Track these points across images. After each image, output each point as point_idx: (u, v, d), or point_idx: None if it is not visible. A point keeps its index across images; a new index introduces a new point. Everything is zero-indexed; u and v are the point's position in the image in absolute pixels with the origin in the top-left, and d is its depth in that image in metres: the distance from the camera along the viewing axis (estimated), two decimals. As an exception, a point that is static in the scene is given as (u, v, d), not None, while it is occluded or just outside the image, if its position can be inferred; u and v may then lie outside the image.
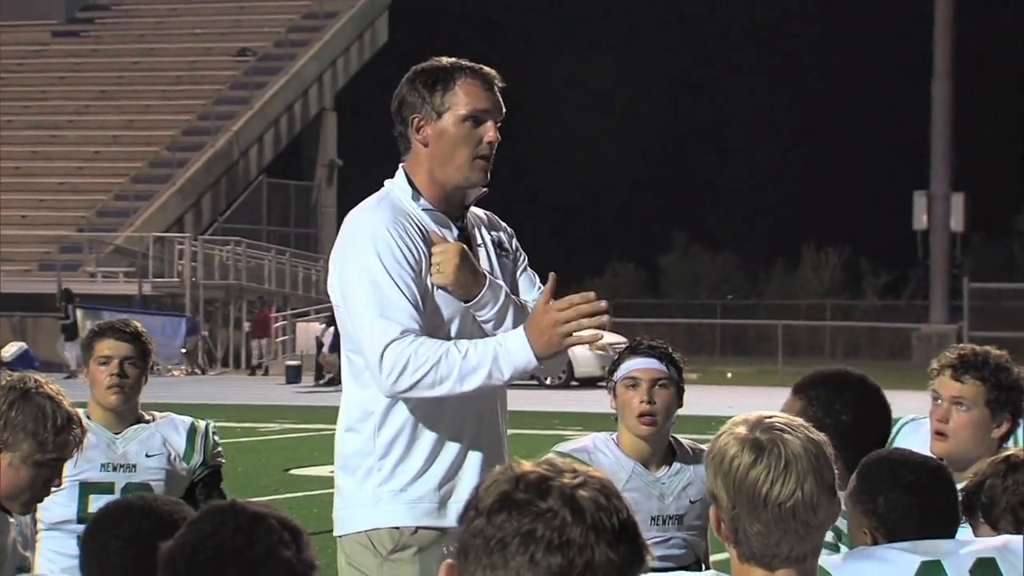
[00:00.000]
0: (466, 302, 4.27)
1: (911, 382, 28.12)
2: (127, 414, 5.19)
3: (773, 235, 62.10)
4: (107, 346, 5.11)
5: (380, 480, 4.27)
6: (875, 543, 3.40)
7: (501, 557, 2.03)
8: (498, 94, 4.40)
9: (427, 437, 4.29)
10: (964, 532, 3.55)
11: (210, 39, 50.28)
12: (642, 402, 4.68)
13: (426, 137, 4.33)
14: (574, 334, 4.22)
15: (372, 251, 4.24)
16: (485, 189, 4.43)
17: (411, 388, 4.17)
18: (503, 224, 4.59)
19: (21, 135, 46.12)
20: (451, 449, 4.31)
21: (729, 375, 35.55)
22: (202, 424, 5.31)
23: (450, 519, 4.27)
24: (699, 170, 69.72)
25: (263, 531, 2.40)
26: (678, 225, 62.57)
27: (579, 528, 2.02)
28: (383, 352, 4.16)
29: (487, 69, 4.42)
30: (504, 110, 4.40)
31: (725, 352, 46.34)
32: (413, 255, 4.25)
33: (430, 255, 4.27)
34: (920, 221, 42.20)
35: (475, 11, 71.23)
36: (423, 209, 4.33)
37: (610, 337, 34.69)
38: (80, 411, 4.01)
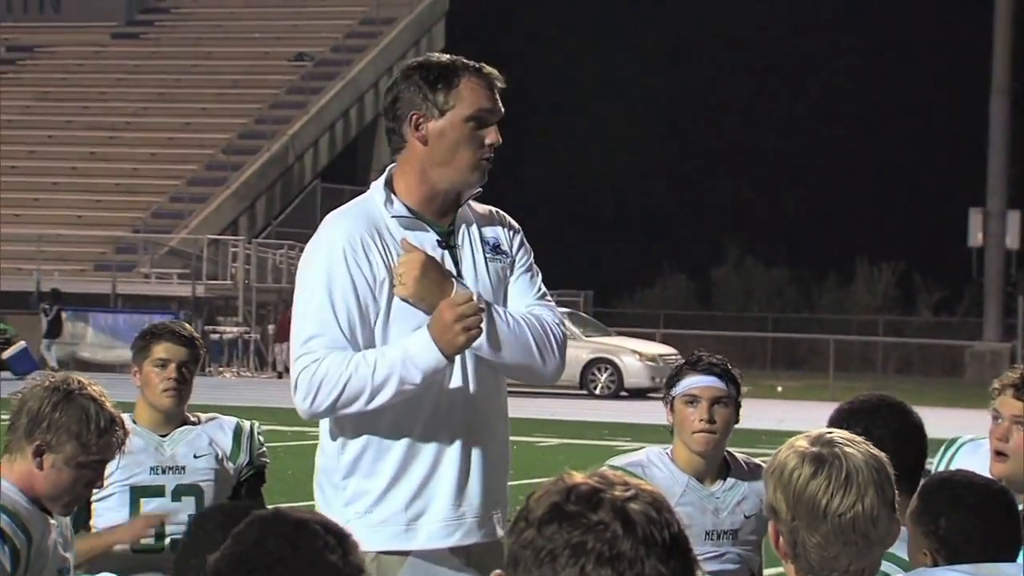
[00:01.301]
0: (431, 314, 4.09)
1: (964, 400, 27.99)
2: (175, 416, 5.21)
3: (827, 249, 61.84)
4: (164, 349, 5.13)
5: (345, 500, 4.14)
6: (935, 565, 3.36)
7: (551, 569, 2.01)
8: (498, 95, 4.22)
9: (393, 455, 4.13)
10: None
11: (267, 43, 50.54)
12: (701, 420, 4.65)
13: (425, 135, 4.16)
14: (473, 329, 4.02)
15: (322, 268, 4.14)
16: (480, 188, 4.27)
17: (326, 411, 4.07)
18: (508, 220, 4.37)
19: (79, 136, 46.47)
20: (421, 466, 4.13)
21: (780, 389, 35.42)
22: (247, 424, 5.33)
23: (419, 541, 4.13)
24: (753, 183, 69.54)
25: (307, 537, 2.38)
26: (731, 237, 62.43)
27: (630, 541, 2.00)
28: (298, 376, 4.08)
29: (489, 68, 4.24)
30: (503, 111, 4.22)
31: (776, 366, 46.17)
32: (366, 272, 4.11)
33: (393, 265, 4.13)
34: (975, 238, 41.98)
35: (533, 20, 71.29)
36: (394, 216, 4.18)
37: (660, 348, 34.68)
38: (125, 415, 4.01)
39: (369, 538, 4.04)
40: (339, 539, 2.41)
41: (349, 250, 4.13)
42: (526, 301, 4.30)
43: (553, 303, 4.42)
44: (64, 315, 35.45)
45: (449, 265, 4.21)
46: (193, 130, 46.71)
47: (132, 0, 52.77)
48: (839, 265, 59.86)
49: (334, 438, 4.20)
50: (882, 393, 4.38)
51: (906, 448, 4.01)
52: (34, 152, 45.01)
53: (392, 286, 4.13)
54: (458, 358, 4.12)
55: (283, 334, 38.94)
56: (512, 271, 4.32)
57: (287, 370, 32.23)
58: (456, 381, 4.17)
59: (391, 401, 4.05)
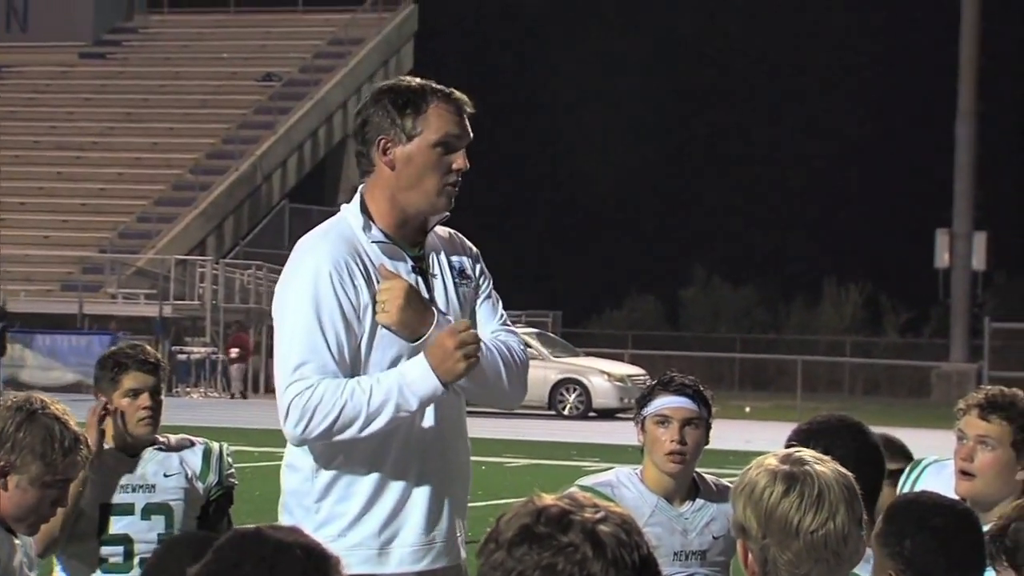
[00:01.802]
0: (413, 341, 4.11)
1: (930, 420, 28.05)
2: (146, 439, 5.22)
3: (794, 270, 62.04)
4: (134, 379, 5.13)
5: (317, 523, 4.12)
6: (900, 586, 3.37)
7: (521, 590, 2.02)
8: (467, 120, 4.23)
9: (368, 479, 4.13)
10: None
11: (235, 63, 50.48)
12: (672, 441, 4.65)
13: (393, 160, 4.17)
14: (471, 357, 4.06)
15: (307, 291, 4.11)
16: (447, 214, 4.28)
17: (319, 437, 4.06)
18: (468, 246, 4.40)
19: (47, 155, 46.30)
20: (393, 491, 4.15)
21: (747, 409, 35.46)
22: (216, 446, 5.35)
23: (391, 566, 4.14)
24: (721, 204, 69.71)
25: (287, 562, 2.37)
26: (699, 258, 62.55)
27: (600, 563, 2.02)
28: (290, 403, 4.06)
29: (458, 94, 4.25)
30: (472, 136, 4.24)
31: (744, 386, 46.24)
32: (351, 297, 4.11)
33: (376, 291, 4.13)
34: (942, 259, 42.14)
35: (500, 40, 71.40)
36: (373, 241, 4.18)
37: (628, 368, 34.70)
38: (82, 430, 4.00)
39: (343, 561, 4.03)
40: (319, 563, 2.39)
41: (335, 274, 4.12)
42: (491, 327, 4.32)
43: (514, 327, 4.45)
44: (8, 335, 35.02)
45: (423, 290, 4.21)
46: (161, 150, 46.60)
47: (99, 20, 52.63)
48: (806, 286, 60.02)
49: (308, 462, 4.19)
50: (841, 413, 4.41)
51: (866, 468, 4.03)
52: (0, 172, 44.83)
53: (374, 312, 4.12)
54: None
55: (240, 355, 38.60)
56: (476, 295, 4.34)
57: (242, 394, 31.61)
58: (428, 410, 4.17)
59: (386, 427, 4.06)
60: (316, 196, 49.56)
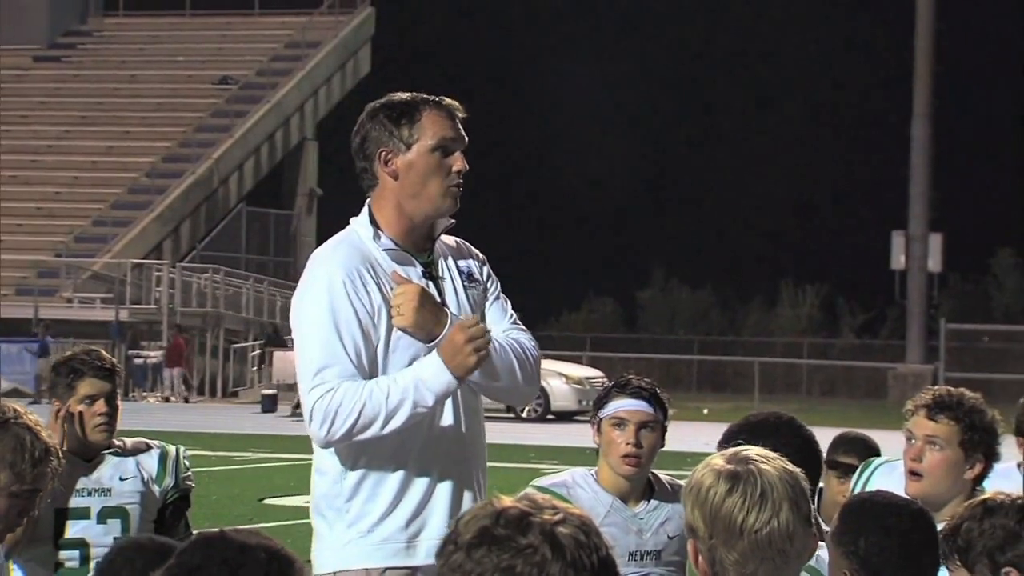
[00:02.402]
0: (428, 342, 4.28)
1: (887, 421, 28.14)
2: (102, 443, 5.20)
3: (751, 272, 62.24)
4: (90, 385, 5.11)
5: (348, 522, 4.31)
6: (855, 585, 3.39)
7: (480, 592, 2.03)
8: (460, 124, 4.42)
9: (393, 477, 4.32)
10: (942, 575, 3.56)
11: (192, 67, 50.28)
12: (628, 444, 4.68)
13: (395, 170, 4.34)
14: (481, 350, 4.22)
15: (325, 301, 4.28)
16: (453, 220, 4.44)
17: (342, 438, 4.22)
18: (474, 251, 4.59)
19: (1, 159, 46.01)
20: (418, 488, 4.33)
21: (706, 411, 35.56)
22: (172, 448, 5.34)
23: (419, 558, 4.32)
24: (677, 206, 69.88)
25: (250, 563, 2.38)
26: (656, 260, 62.69)
27: (558, 565, 2.03)
28: (313, 406, 4.22)
29: (448, 100, 4.44)
30: (467, 139, 4.43)
31: (702, 388, 46.36)
32: (366, 304, 4.28)
33: (390, 297, 4.29)
34: (898, 261, 42.32)
35: (456, 43, 71.39)
36: (383, 249, 4.35)
37: (587, 371, 34.73)
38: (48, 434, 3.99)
39: (375, 555, 4.30)
40: (283, 566, 2.40)
41: (349, 283, 4.29)
42: (503, 326, 4.49)
43: (524, 326, 4.58)
44: None
45: (434, 294, 4.38)
46: (116, 153, 46.40)
47: (54, 22, 52.35)
48: (763, 288, 60.25)
49: (334, 465, 4.35)
50: (777, 411, 4.45)
51: (806, 466, 4.08)
52: (-45, 176, 44.57)
53: (389, 317, 4.29)
54: None
55: (173, 359, 38.29)
56: (485, 298, 4.53)
57: (184, 398, 31.37)
58: (449, 407, 4.36)
59: (405, 424, 4.22)
60: (273, 200, 49.43)
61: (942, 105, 42.98)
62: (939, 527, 3.63)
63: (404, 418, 4.20)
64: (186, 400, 37.46)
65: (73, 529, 5.04)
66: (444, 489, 4.34)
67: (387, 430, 4.21)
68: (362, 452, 4.30)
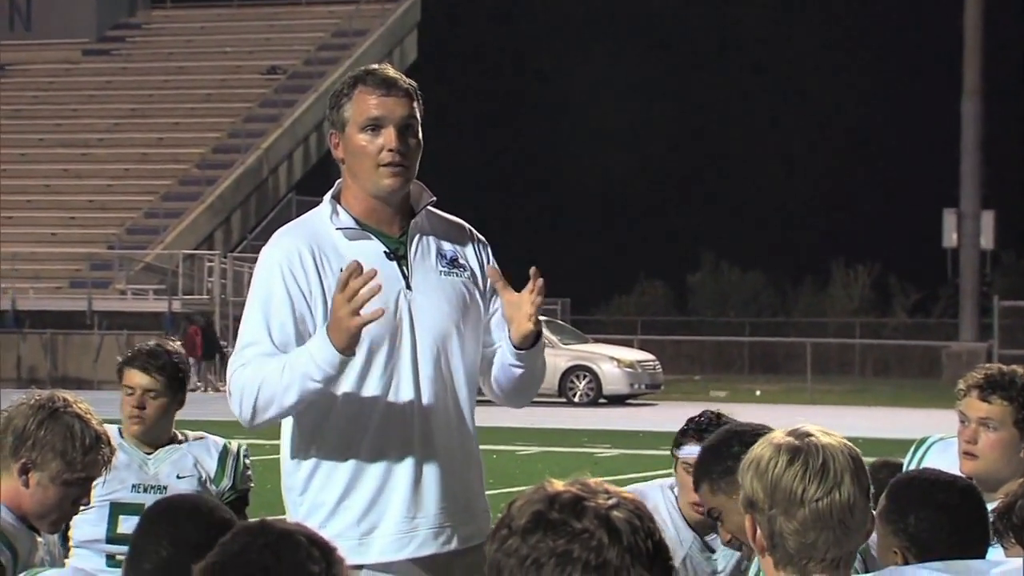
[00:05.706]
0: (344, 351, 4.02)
1: (941, 400, 28.02)
2: (160, 435, 5.20)
3: (802, 253, 61.94)
4: (131, 376, 5.11)
5: (302, 515, 4.16)
6: (905, 563, 3.39)
7: (536, 576, 2.03)
8: (399, 95, 4.28)
9: (344, 467, 4.15)
10: (995, 552, 3.54)
11: (239, 57, 50.44)
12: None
13: (341, 153, 4.36)
14: (361, 312, 3.98)
15: (261, 281, 4.25)
16: (433, 197, 4.33)
17: (252, 416, 4.12)
18: (474, 236, 4.41)
19: (52, 153, 46.32)
20: (371, 478, 4.15)
21: (758, 393, 35.46)
22: (235, 445, 5.29)
23: (373, 554, 4.14)
24: (728, 188, 69.63)
25: (291, 548, 2.40)
26: (707, 243, 62.47)
27: (616, 549, 2.03)
28: (230, 385, 4.17)
29: (385, 73, 4.33)
30: (412, 110, 4.28)
31: (754, 370, 46.19)
32: (302, 286, 4.19)
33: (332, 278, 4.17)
34: (950, 239, 42.04)
35: (503, 31, 71.31)
36: (338, 228, 4.27)
37: (638, 354, 34.68)
38: (113, 428, 4.02)
39: None
40: (323, 552, 2.42)
41: (286, 264, 4.23)
42: (501, 330, 4.37)
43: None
44: None
45: (398, 276, 4.23)
46: (167, 145, 46.60)
47: (103, 16, 52.61)
48: (815, 268, 59.95)
49: (291, 455, 4.25)
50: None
51: None
52: (6, 170, 44.83)
53: (326, 301, 4.17)
54: (409, 368, 4.16)
55: (187, 351, 38.18)
56: (475, 285, 4.34)
57: (204, 389, 31.17)
58: (407, 392, 4.17)
59: (300, 400, 4.06)
60: (322, 188, 48.74)
61: (992, 81, 42.65)
62: (992, 505, 3.62)
63: (297, 394, 4.04)
64: (217, 390, 37.50)
65: (125, 525, 5.01)
66: (401, 480, 4.15)
67: (285, 406, 4.07)
68: (311, 442, 4.17)
